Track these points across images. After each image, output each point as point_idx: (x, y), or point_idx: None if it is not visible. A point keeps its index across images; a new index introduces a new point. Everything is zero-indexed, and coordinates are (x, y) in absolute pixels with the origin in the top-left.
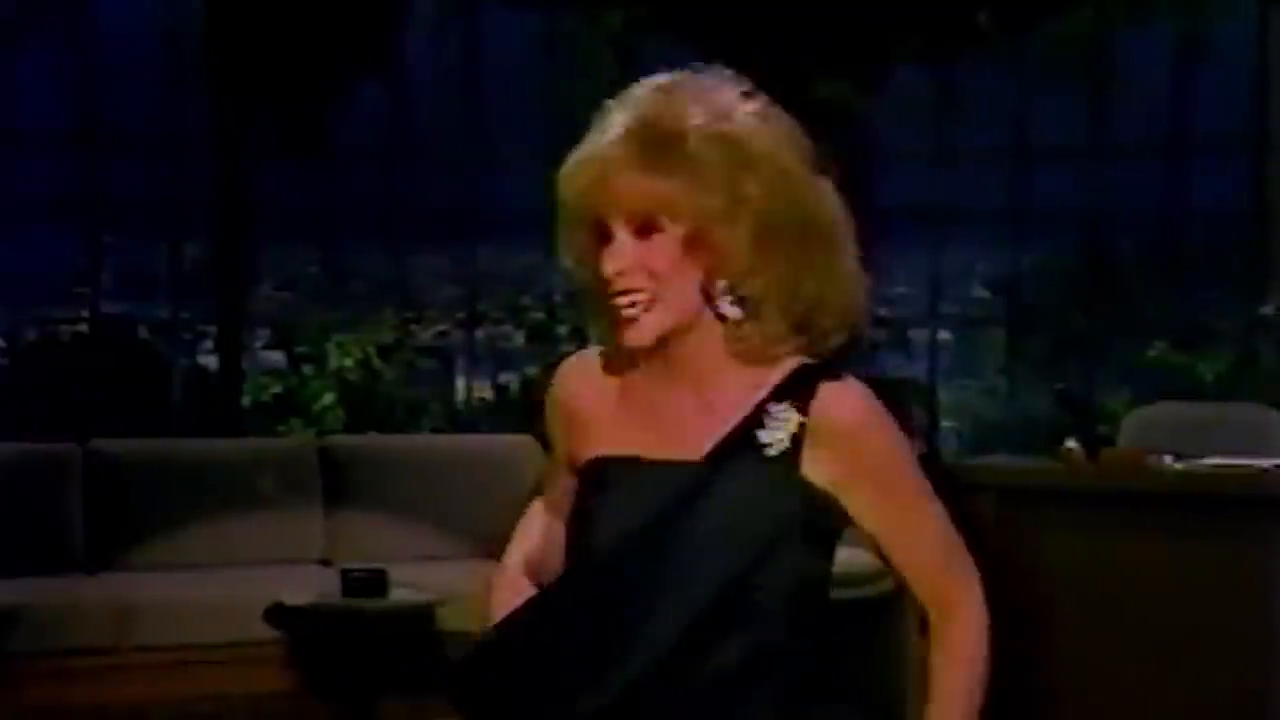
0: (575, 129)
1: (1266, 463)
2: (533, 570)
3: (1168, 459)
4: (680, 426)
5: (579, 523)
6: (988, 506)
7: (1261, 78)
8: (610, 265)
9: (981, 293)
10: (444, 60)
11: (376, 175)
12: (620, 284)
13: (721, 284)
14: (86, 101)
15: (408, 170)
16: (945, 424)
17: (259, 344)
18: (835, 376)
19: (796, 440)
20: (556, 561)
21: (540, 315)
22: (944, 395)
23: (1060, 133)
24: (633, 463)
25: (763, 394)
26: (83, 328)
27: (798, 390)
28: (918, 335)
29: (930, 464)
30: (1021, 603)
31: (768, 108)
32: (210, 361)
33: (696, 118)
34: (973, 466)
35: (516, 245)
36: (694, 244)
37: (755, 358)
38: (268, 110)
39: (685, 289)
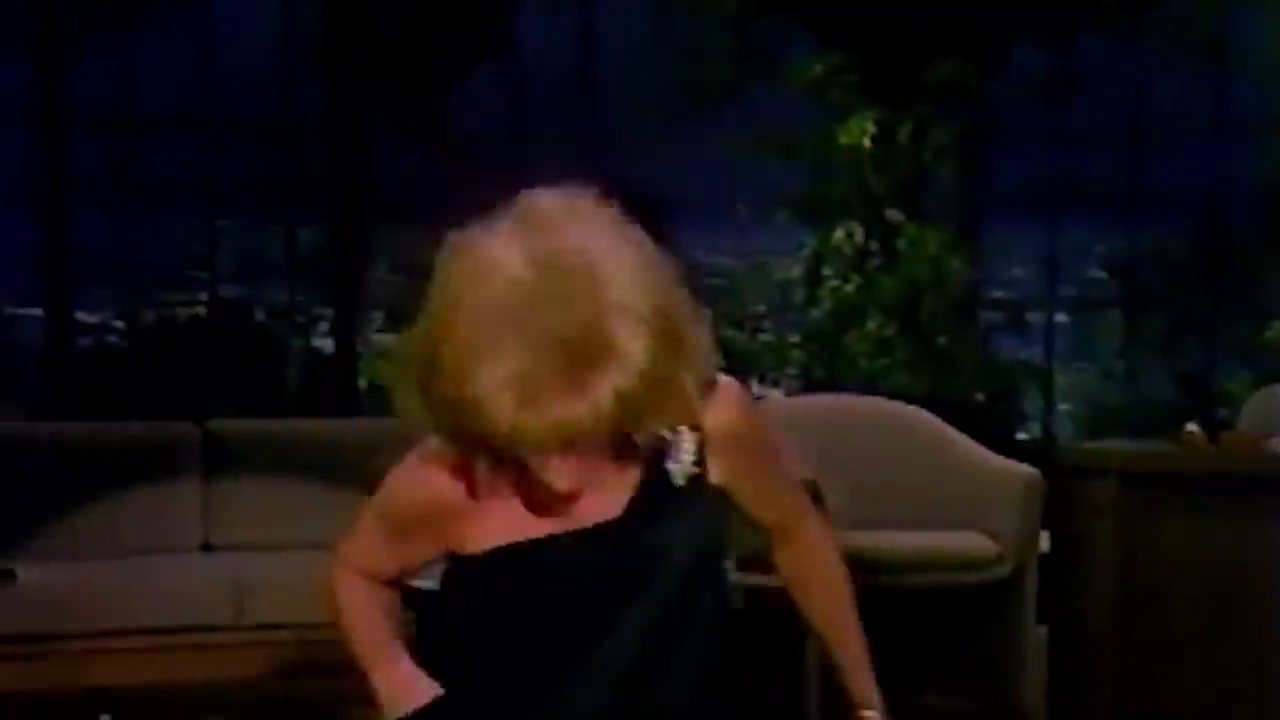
0: (689, 114)
1: None
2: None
3: None
4: (586, 496)
5: (492, 605)
6: (1107, 491)
7: None
8: (561, 485)
9: (1099, 274)
10: (559, 45)
11: (491, 159)
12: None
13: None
14: (204, 88)
15: (521, 154)
16: (1062, 407)
17: (373, 327)
18: (710, 386)
19: (700, 457)
20: (394, 572)
21: None
22: (1061, 378)
23: (1179, 113)
24: (552, 540)
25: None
26: (200, 311)
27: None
28: (1034, 318)
29: (1048, 449)
30: (1139, 588)
31: (617, 230)
32: (326, 344)
33: (600, 298)
34: (1091, 450)
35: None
36: (626, 419)
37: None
38: (383, 95)
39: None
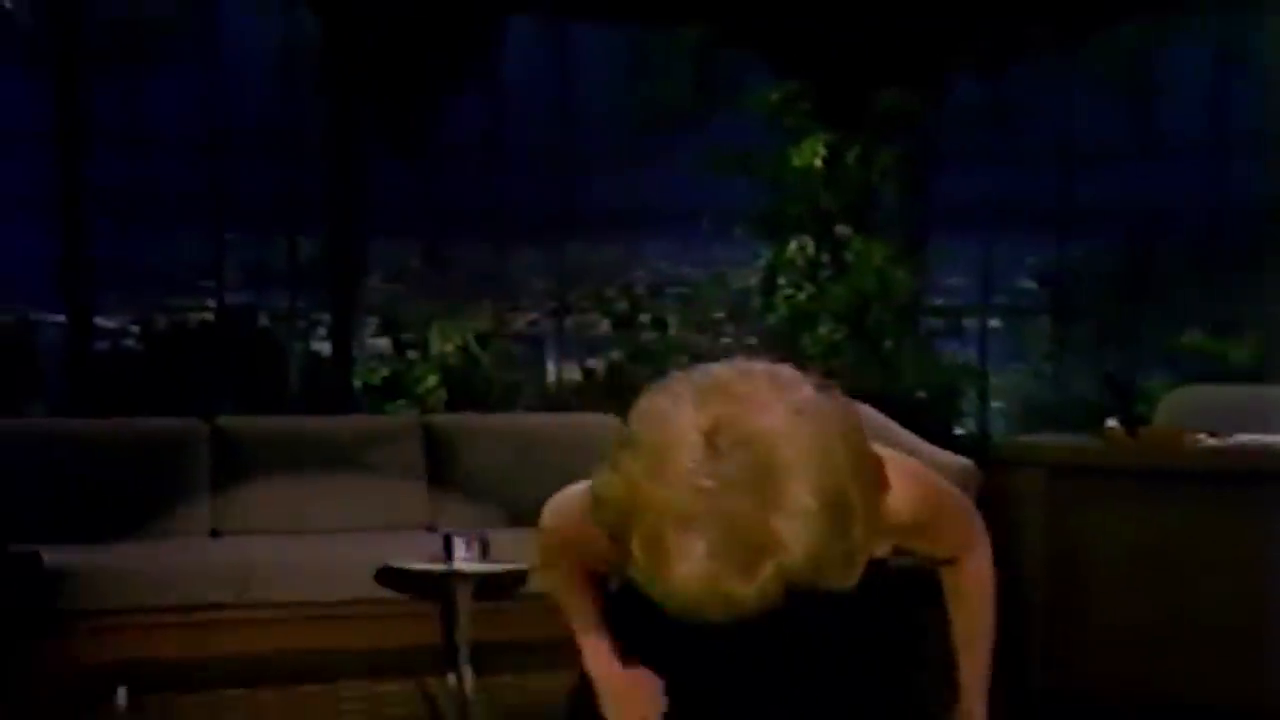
0: (656, 136)
1: None
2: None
3: (1202, 437)
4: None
5: (644, 634)
6: (1035, 482)
7: None
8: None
9: (1029, 284)
10: (537, 72)
11: (475, 177)
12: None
13: None
14: (213, 112)
15: (503, 172)
16: (995, 404)
17: (368, 331)
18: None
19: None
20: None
21: (623, 305)
22: (994, 378)
23: (1104, 137)
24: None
25: None
26: (208, 316)
27: None
28: (971, 323)
29: (982, 443)
30: (1065, 569)
31: (796, 408)
32: (324, 347)
33: (798, 478)
34: (1021, 444)
35: (602, 241)
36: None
37: None
38: (377, 117)
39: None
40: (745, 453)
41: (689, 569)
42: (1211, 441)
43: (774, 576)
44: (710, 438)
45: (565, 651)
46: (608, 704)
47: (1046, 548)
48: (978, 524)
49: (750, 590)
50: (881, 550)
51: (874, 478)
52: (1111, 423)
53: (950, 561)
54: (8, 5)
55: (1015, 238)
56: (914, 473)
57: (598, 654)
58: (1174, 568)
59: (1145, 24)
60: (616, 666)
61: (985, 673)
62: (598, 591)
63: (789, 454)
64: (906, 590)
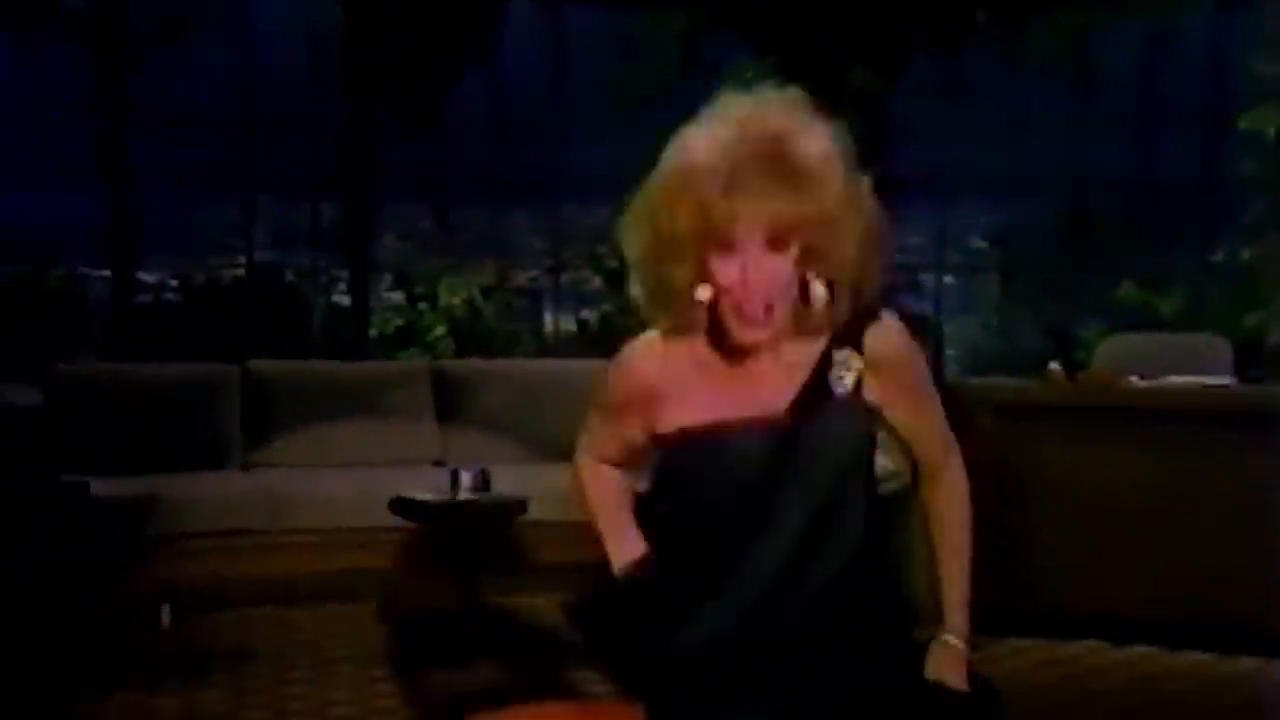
0: (643, 108)
1: (1213, 381)
2: (603, 458)
3: (1133, 379)
4: (761, 390)
5: (680, 479)
6: (985, 420)
7: (1216, 66)
8: (757, 273)
9: (980, 244)
10: (534, 53)
11: (478, 147)
12: (751, 294)
13: (817, 278)
14: (245, 91)
15: (504, 143)
16: (949, 352)
17: (383, 286)
18: (875, 317)
19: (859, 377)
20: (618, 457)
21: (614, 263)
22: (948, 328)
23: (1047, 112)
24: (727, 424)
25: (823, 345)
26: (240, 273)
27: (850, 336)
28: (926, 279)
29: (936, 385)
30: (1012, 498)
31: (829, 123)
32: (343, 300)
33: (805, 140)
34: (972, 387)
35: (594, 205)
36: (808, 253)
37: (818, 329)
38: (391, 95)
39: (793, 289)
40: (777, 121)
41: (724, 158)
42: (1142, 383)
43: (807, 198)
44: (743, 117)
45: (559, 575)
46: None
47: (995, 479)
48: (953, 439)
49: (784, 199)
50: (871, 394)
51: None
52: (1053, 367)
53: (929, 471)
54: None
55: (967, 203)
56: (898, 325)
57: (624, 545)
58: (1108, 495)
59: (1084, 10)
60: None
61: (965, 588)
62: (622, 488)
63: (814, 131)
64: (893, 515)
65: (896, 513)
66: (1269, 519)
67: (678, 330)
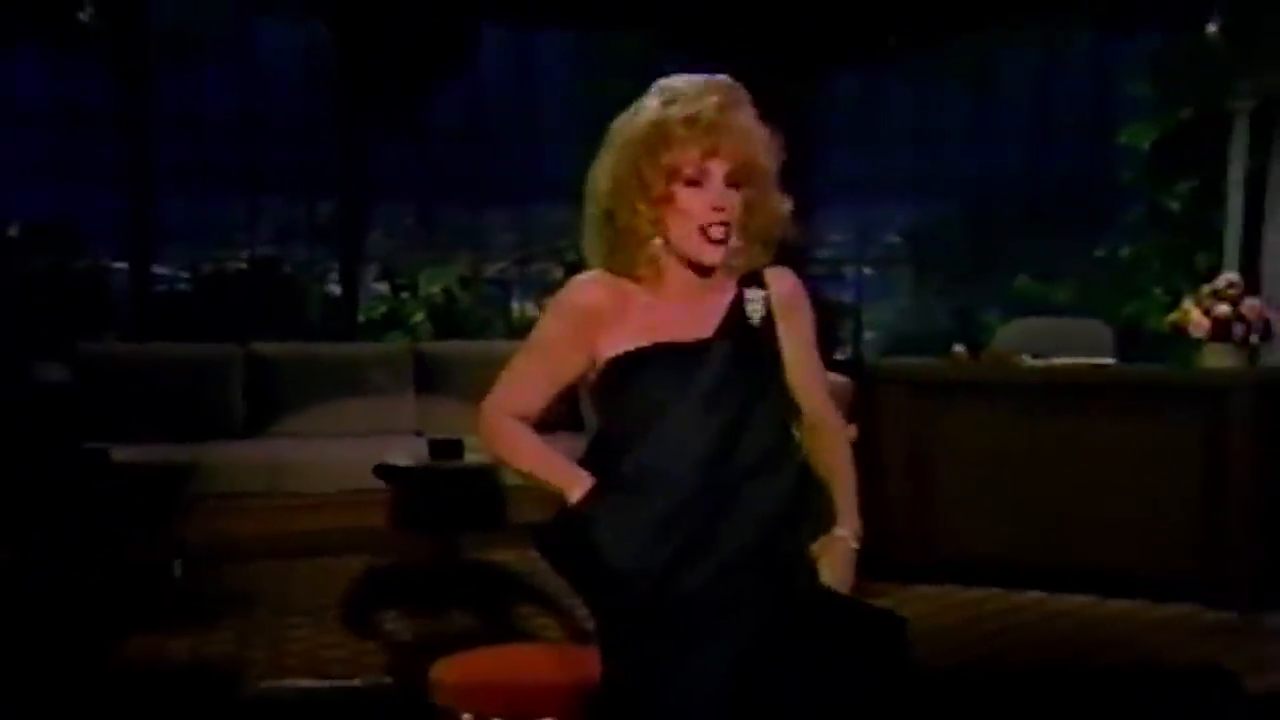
0: (601, 118)
1: (1098, 361)
2: (519, 411)
3: (1027, 358)
4: (687, 323)
5: (623, 399)
6: (899, 394)
7: (1098, 85)
8: (721, 201)
9: (896, 240)
10: (507, 69)
11: (458, 153)
12: (718, 216)
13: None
14: (249, 101)
15: (480, 149)
16: (868, 335)
17: (370, 276)
18: (772, 264)
19: (769, 310)
20: (539, 404)
21: (574, 256)
22: (868, 314)
23: (952, 122)
24: (667, 346)
25: (734, 289)
26: (244, 265)
27: (757, 278)
28: (849, 271)
29: (857, 364)
30: (922, 461)
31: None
32: (335, 289)
33: (751, 109)
34: (888, 365)
35: (559, 204)
36: (748, 201)
37: (738, 272)
38: (378, 106)
39: (763, 213)
40: (711, 84)
41: (665, 94)
42: (1034, 362)
43: (738, 122)
44: (705, 85)
45: (530, 533)
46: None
47: (907, 447)
48: (831, 401)
49: (713, 104)
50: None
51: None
52: (958, 348)
53: (813, 425)
54: (84, 16)
55: (885, 203)
56: (794, 274)
57: (566, 475)
58: (1006, 458)
59: (985, 32)
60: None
61: (854, 497)
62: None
63: (745, 101)
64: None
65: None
66: (1142, 477)
67: (627, 269)
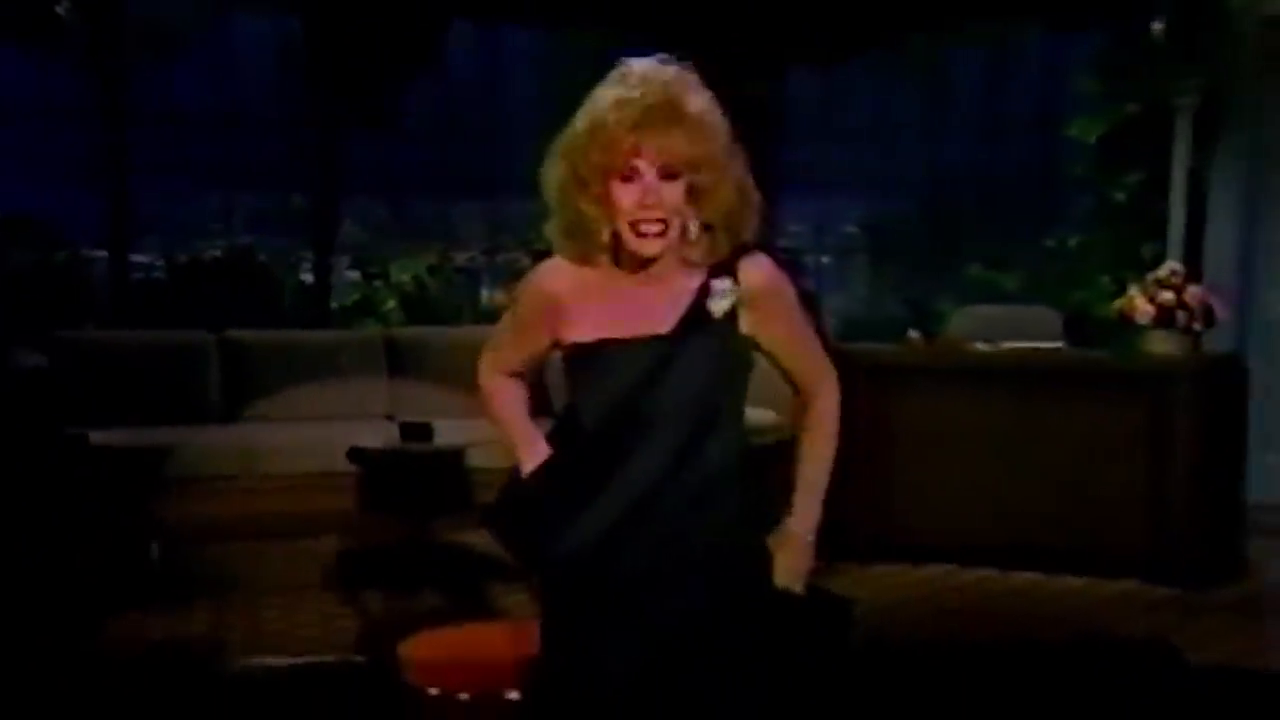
0: (568, 113)
1: (1047, 346)
2: (501, 369)
3: (979, 344)
4: (650, 313)
5: (578, 386)
6: (857, 379)
7: (1047, 81)
8: (646, 198)
9: (854, 230)
10: (475, 66)
11: (428, 147)
12: (647, 213)
13: (694, 215)
14: (224, 96)
15: (449, 143)
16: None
17: (343, 265)
18: (749, 253)
19: (735, 303)
20: (517, 368)
21: (540, 245)
22: (826, 302)
23: (908, 118)
24: (621, 341)
25: (703, 277)
26: (220, 254)
27: (728, 268)
28: (808, 260)
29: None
30: (879, 444)
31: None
32: (309, 278)
33: (694, 96)
34: (847, 351)
35: (525, 196)
36: (694, 190)
37: (699, 262)
38: (351, 101)
39: (682, 216)
40: (666, 75)
41: (613, 95)
42: (986, 347)
43: (688, 124)
44: (640, 79)
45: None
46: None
47: (864, 429)
48: (830, 372)
49: (658, 93)
50: (746, 321)
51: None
52: (913, 334)
53: (805, 397)
54: (61, 10)
55: (842, 195)
56: (770, 261)
57: (532, 451)
58: (958, 440)
59: (939, 32)
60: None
61: (817, 495)
62: (525, 399)
63: (697, 88)
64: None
65: (773, 461)
66: (1089, 458)
67: (583, 258)
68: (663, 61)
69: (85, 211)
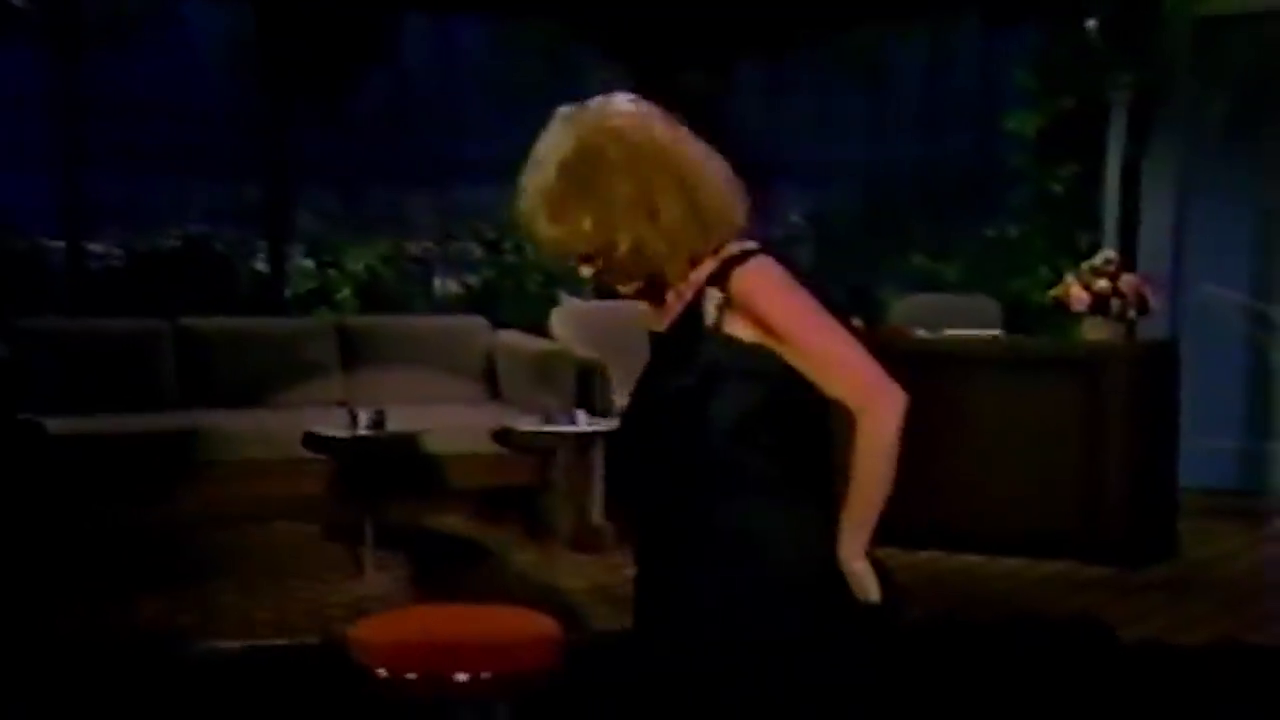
0: (518, 104)
1: (986, 333)
2: None
3: (921, 332)
4: (665, 316)
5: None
6: None
7: (987, 75)
8: (584, 274)
9: (799, 220)
10: (428, 57)
11: (380, 136)
12: (594, 281)
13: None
14: (180, 85)
15: (402, 133)
16: None
17: (298, 254)
18: (743, 261)
19: (722, 311)
20: None
21: (493, 235)
22: None
23: (843, 111)
24: (654, 335)
25: (698, 287)
26: (176, 243)
27: (721, 276)
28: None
29: None
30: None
31: (644, 106)
32: (264, 266)
33: (609, 150)
34: None
35: (478, 186)
36: (611, 257)
37: (688, 280)
38: (304, 91)
39: (633, 267)
40: (598, 136)
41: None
42: (928, 335)
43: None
44: (577, 133)
45: (456, 498)
46: None
47: None
48: (879, 386)
49: (565, 231)
50: (741, 328)
51: (713, 185)
52: (856, 322)
53: (852, 415)
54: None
55: (788, 185)
56: (763, 268)
57: None
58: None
59: (880, 27)
60: None
61: (861, 519)
62: None
63: (633, 130)
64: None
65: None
66: (1026, 442)
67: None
68: (602, 104)
69: (42, 200)
